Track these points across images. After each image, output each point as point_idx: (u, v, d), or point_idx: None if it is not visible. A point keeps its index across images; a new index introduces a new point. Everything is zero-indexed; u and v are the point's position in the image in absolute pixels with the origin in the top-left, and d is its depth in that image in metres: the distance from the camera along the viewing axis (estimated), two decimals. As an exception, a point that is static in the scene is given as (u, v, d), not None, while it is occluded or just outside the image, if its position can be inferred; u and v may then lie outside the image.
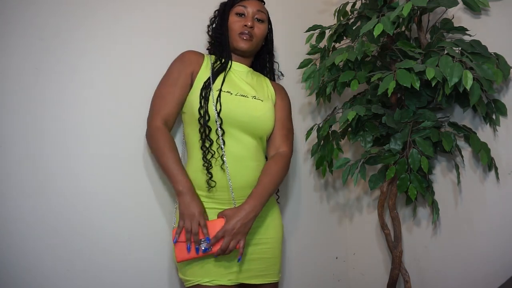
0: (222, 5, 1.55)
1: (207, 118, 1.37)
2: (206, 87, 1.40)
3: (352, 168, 1.53)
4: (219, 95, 1.39)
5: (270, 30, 1.61)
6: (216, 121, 1.37)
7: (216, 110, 1.37)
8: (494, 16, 1.52)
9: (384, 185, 1.58)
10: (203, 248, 1.27)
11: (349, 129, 1.64)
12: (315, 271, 1.95)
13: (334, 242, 2.01)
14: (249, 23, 1.46)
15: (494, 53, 1.45)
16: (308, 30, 1.73)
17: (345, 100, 1.78)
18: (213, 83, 1.41)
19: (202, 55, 1.49)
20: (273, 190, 1.42)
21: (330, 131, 1.67)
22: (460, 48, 1.45)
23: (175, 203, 1.45)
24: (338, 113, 1.69)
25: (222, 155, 1.37)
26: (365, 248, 1.97)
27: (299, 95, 1.90)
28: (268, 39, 1.61)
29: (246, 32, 1.46)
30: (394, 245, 1.59)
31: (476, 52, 1.44)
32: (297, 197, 1.90)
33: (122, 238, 1.44)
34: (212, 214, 1.36)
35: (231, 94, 1.42)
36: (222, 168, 1.37)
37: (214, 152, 1.37)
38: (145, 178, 1.50)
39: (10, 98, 1.28)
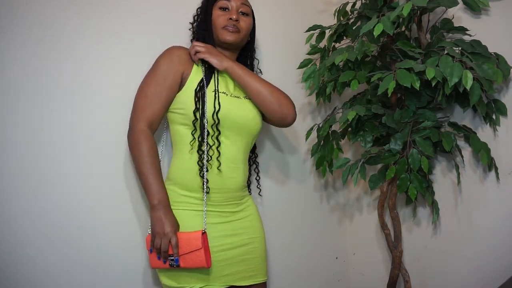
0: (205, 1, 1.49)
1: (204, 120, 1.32)
2: (202, 88, 1.35)
3: (352, 168, 1.53)
4: (217, 97, 1.35)
5: (253, 26, 1.56)
6: (214, 123, 1.33)
7: (215, 112, 1.33)
8: (494, 16, 1.52)
9: (384, 185, 1.58)
10: (173, 264, 1.26)
11: (349, 129, 1.64)
12: (315, 271, 1.95)
13: (334, 242, 2.01)
14: (234, 16, 1.42)
15: (494, 53, 1.45)
16: (308, 30, 1.73)
17: (345, 100, 1.78)
18: (208, 83, 1.37)
19: None
20: (258, 84, 1.39)
21: (330, 131, 1.67)
22: (460, 48, 1.45)
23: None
24: (338, 113, 1.69)
25: (218, 157, 1.34)
26: (365, 248, 1.97)
27: (299, 95, 1.90)
28: (251, 35, 1.56)
29: (232, 25, 1.41)
30: (394, 245, 1.59)
31: (476, 52, 1.44)
32: (297, 197, 1.90)
33: (124, 235, 1.44)
34: (200, 217, 1.33)
35: (227, 95, 1.38)
36: (218, 169, 1.35)
37: (210, 157, 1.34)
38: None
39: (11, 97, 1.28)
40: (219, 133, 1.35)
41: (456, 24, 1.56)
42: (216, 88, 1.37)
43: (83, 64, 1.40)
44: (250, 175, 1.60)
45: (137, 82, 1.48)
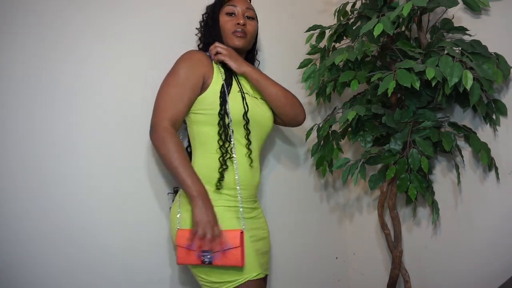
0: (210, 7, 1.53)
1: (228, 120, 1.36)
2: (227, 89, 1.39)
3: (352, 168, 1.53)
4: (245, 97, 1.40)
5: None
6: (246, 123, 1.39)
7: (245, 113, 1.39)
8: (494, 16, 1.52)
9: (384, 185, 1.58)
10: (206, 260, 1.24)
11: (349, 129, 1.64)
12: (315, 271, 1.95)
13: (334, 242, 2.01)
14: (241, 21, 1.47)
15: (494, 53, 1.45)
16: (308, 30, 1.73)
17: (345, 100, 1.78)
18: (231, 85, 1.41)
19: (209, 57, 1.47)
20: (274, 88, 1.47)
21: (330, 131, 1.67)
22: (460, 48, 1.45)
23: (179, 204, 1.37)
24: (338, 113, 1.69)
25: (250, 154, 1.40)
26: (365, 248, 1.97)
27: (299, 95, 1.88)
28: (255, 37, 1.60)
29: (240, 30, 1.46)
30: (394, 245, 1.59)
31: (476, 52, 1.43)
32: (297, 197, 1.90)
33: (126, 235, 1.44)
34: (231, 213, 1.36)
35: (249, 95, 1.44)
36: (250, 166, 1.40)
37: (231, 154, 1.37)
38: (148, 176, 1.50)
39: (12, 97, 1.29)
40: (249, 132, 1.41)
41: (456, 24, 1.56)
42: (241, 89, 1.43)
43: (84, 64, 1.41)
44: None
45: (137, 82, 1.49)
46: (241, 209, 1.37)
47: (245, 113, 1.39)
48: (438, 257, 1.69)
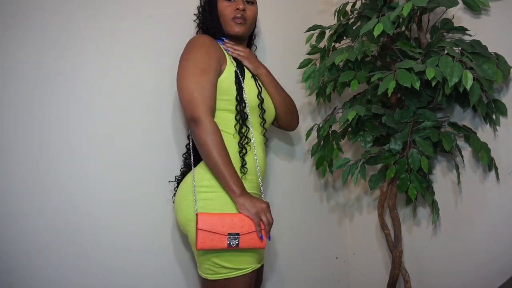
0: None
1: (243, 105, 1.38)
2: (241, 73, 1.40)
3: (352, 168, 1.53)
4: (257, 80, 1.44)
5: None
6: (260, 103, 1.42)
7: (259, 93, 1.42)
8: (494, 16, 1.52)
9: (384, 185, 1.58)
10: (233, 243, 1.25)
11: (349, 129, 1.64)
12: (315, 271, 1.95)
13: (334, 242, 2.01)
14: (240, 6, 1.44)
15: (494, 53, 1.45)
16: (308, 30, 1.73)
17: (345, 100, 1.78)
18: (244, 71, 1.43)
19: (218, 42, 1.46)
20: (283, 93, 1.54)
21: (330, 131, 1.67)
22: (460, 48, 1.45)
23: (193, 192, 1.34)
24: (338, 113, 1.69)
25: (266, 140, 1.46)
26: (365, 248, 1.97)
27: (299, 95, 1.90)
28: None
29: (239, 15, 1.44)
30: (394, 245, 1.59)
31: (476, 52, 1.43)
32: (297, 197, 1.90)
33: (126, 236, 1.44)
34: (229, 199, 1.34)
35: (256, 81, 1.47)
36: (259, 152, 1.42)
37: (250, 139, 1.39)
38: (149, 177, 1.50)
39: (12, 97, 1.28)
40: (264, 112, 1.45)
41: (456, 24, 1.56)
42: (253, 75, 1.46)
43: (84, 63, 1.40)
44: None
45: (137, 83, 1.49)
46: (262, 195, 1.41)
47: (258, 93, 1.42)
48: (438, 257, 1.69)
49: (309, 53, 1.76)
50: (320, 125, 1.69)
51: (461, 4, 1.54)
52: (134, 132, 1.48)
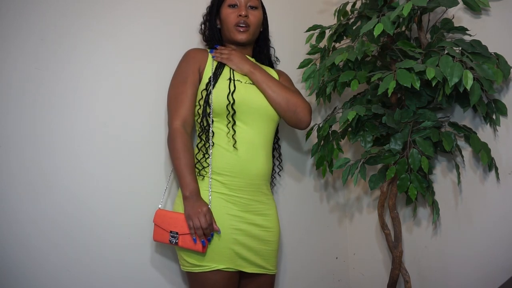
0: (213, 0, 1.54)
1: (208, 108, 1.40)
2: (214, 77, 1.43)
3: (352, 168, 1.53)
4: (233, 80, 1.43)
5: (264, 16, 1.61)
6: (229, 104, 1.40)
7: (231, 93, 1.41)
8: (494, 16, 1.52)
9: (384, 185, 1.58)
10: (173, 241, 1.32)
11: (349, 129, 1.64)
12: (315, 271, 1.94)
13: (334, 242, 2.01)
14: (243, 12, 1.46)
15: (494, 53, 1.45)
16: (308, 30, 1.73)
17: (345, 100, 1.78)
18: (220, 74, 1.44)
19: (206, 51, 1.51)
20: (277, 89, 1.47)
21: (330, 131, 1.67)
22: (460, 48, 1.45)
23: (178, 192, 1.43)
24: (338, 113, 1.69)
25: (235, 142, 1.40)
26: (365, 248, 1.97)
27: (299, 95, 1.89)
28: (263, 25, 1.61)
29: (242, 22, 1.47)
30: (394, 245, 1.59)
31: (476, 52, 1.43)
32: (297, 197, 1.90)
33: (126, 235, 1.44)
34: (219, 200, 1.38)
35: (241, 82, 1.46)
36: (234, 147, 1.40)
37: (213, 143, 1.41)
38: (150, 175, 1.50)
39: (12, 97, 1.29)
40: (234, 112, 1.41)
41: (456, 24, 1.56)
42: (231, 77, 1.45)
43: (85, 64, 1.41)
44: (274, 171, 1.65)
45: (137, 83, 1.49)
46: (210, 193, 1.38)
47: (229, 94, 1.40)
48: (438, 257, 1.69)
49: (309, 53, 1.76)
50: (320, 125, 1.69)
51: (461, 4, 1.54)
52: (138, 132, 1.49)
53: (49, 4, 1.35)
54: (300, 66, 1.74)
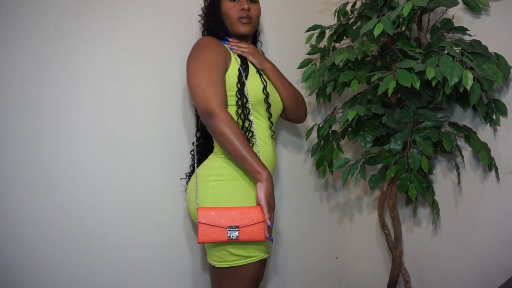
0: None
1: (245, 99, 1.41)
2: (245, 69, 1.44)
3: (352, 168, 1.53)
4: (262, 74, 1.48)
5: None
6: (265, 97, 1.45)
7: (265, 87, 1.45)
8: (494, 16, 1.52)
9: (384, 185, 1.58)
10: (233, 236, 1.26)
11: (349, 129, 1.64)
12: (315, 271, 1.95)
13: (334, 242, 2.01)
14: (245, 6, 1.48)
15: (494, 53, 1.45)
16: (308, 30, 1.73)
17: (345, 100, 1.78)
18: (248, 67, 1.46)
19: (221, 41, 1.49)
20: (289, 86, 1.57)
21: (330, 131, 1.67)
22: (460, 48, 1.45)
23: (195, 185, 1.38)
24: (338, 113, 1.69)
25: (273, 134, 1.49)
26: (365, 248, 1.97)
27: (299, 95, 1.89)
28: None
29: (245, 15, 1.48)
30: (394, 245, 1.59)
31: (476, 52, 1.43)
32: (297, 197, 1.90)
33: (127, 235, 1.44)
34: (238, 186, 1.36)
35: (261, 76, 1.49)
36: (269, 144, 1.46)
37: (253, 133, 1.41)
38: (152, 174, 1.50)
39: (12, 97, 1.28)
40: (270, 106, 1.48)
41: (456, 24, 1.56)
42: (258, 70, 1.49)
43: (85, 64, 1.40)
44: None
45: (138, 83, 1.49)
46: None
47: (264, 88, 1.45)
48: (438, 257, 1.69)
49: (309, 53, 1.76)
50: (320, 125, 1.69)
51: (461, 4, 1.54)
52: (140, 131, 1.49)
53: (49, 4, 1.35)
54: (300, 66, 1.74)
